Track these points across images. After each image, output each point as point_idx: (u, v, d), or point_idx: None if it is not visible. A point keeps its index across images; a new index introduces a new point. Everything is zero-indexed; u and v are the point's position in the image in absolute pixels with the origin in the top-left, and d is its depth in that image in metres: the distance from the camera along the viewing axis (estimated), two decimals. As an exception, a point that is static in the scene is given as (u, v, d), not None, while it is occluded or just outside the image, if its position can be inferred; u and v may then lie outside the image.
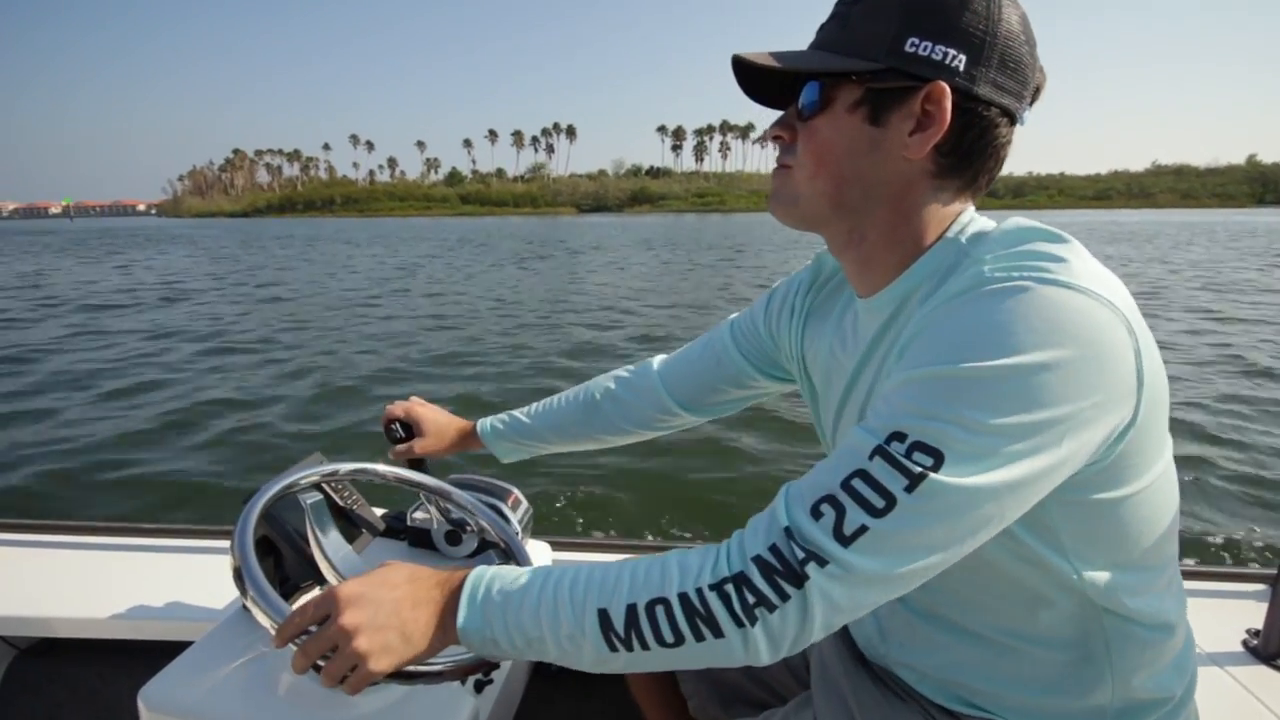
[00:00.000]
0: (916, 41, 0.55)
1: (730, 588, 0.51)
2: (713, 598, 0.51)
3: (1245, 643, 1.11)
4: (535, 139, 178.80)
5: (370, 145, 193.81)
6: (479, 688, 0.81)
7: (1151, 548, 0.59)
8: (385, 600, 0.57)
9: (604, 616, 0.53)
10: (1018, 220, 0.58)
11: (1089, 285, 0.49)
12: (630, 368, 1.03)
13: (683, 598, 0.52)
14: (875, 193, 0.61)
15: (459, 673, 0.62)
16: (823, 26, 0.62)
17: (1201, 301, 10.53)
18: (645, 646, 0.52)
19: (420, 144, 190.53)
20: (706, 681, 0.94)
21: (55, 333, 8.77)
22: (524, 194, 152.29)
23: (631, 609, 0.53)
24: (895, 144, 0.58)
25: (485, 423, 1.07)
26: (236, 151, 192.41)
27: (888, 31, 0.56)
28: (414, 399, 1.11)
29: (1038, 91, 0.61)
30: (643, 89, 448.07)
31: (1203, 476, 3.63)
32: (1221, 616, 1.19)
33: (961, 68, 0.55)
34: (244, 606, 0.66)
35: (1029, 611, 0.61)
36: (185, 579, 1.24)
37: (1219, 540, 3.02)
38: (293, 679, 0.76)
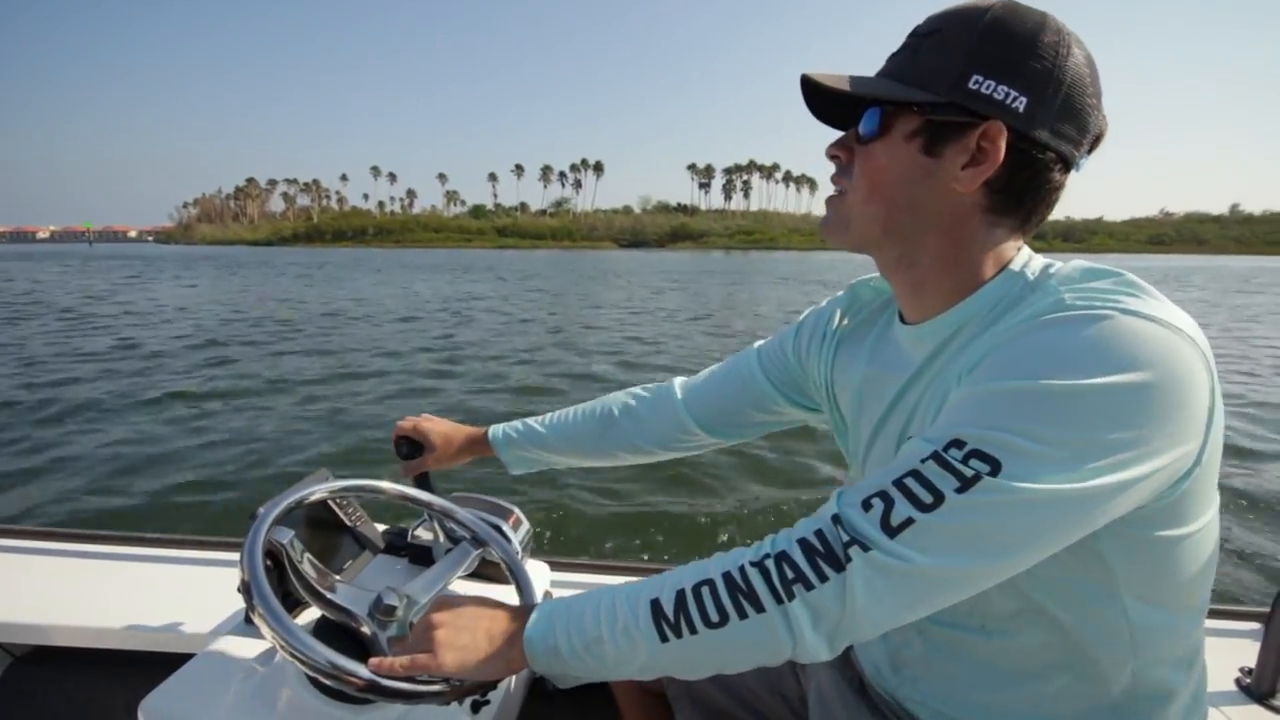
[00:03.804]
0: (980, 79, 0.56)
1: (770, 563, 0.52)
2: (753, 572, 0.53)
3: (1238, 681, 1.10)
4: (563, 174, 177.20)
5: (393, 177, 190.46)
6: (475, 708, 0.82)
7: (1196, 593, 0.59)
8: (468, 611, 0.65)
9: (656, 605, 0.56)
10: (1082, 262, 0.59)
11: (1170, 319, 0.49)
12: (650, 386, 1.03)
13: (726, 575, 0.54)
14: (927, 221, 0.62)
15: (457, 693, 0.63)
16: (893, 55, 0.63)
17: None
18: (694, 630, 0.54)
19: (442, 176, 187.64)
20: (700, 708, 0.93)
21: (79, 344, 9.09)
22: (560, 228, 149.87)
23: (680, 593, 0.55)
24: (947, 175, 0.59)
25: (497, 429, 1.06)
26: (249, 180, 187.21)
27: (953, 67, 0.57)
28: (423, 415, 1.10)
29: (1099, 139, 0.61)
30: (663, 125, 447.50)
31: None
32: (1214, 654, 1.28)
33: (1022, 109, 0.56)
34: (246, 620, 0.66)
35: (1067, 661, 0.60)
36: (186, 591, 1.23)
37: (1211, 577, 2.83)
38: (293, 694, 0.75)
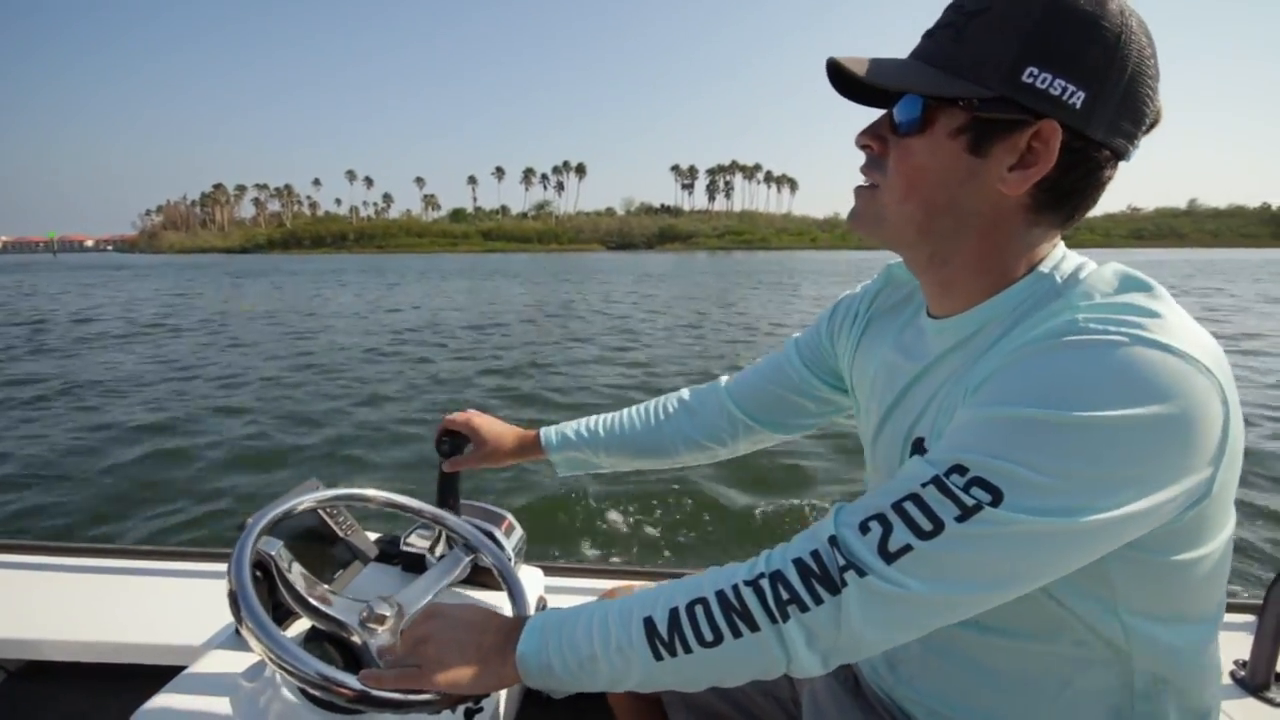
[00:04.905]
0: (1035, 71, 0.50)
1: (765, 583, 0.51)
2: (748, 592, 0.52)
3: (1232, 674, 1.10)
4: (545, 177, 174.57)
5: (369, 181, 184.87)
6: (469, 716, 0.81)
7: (1201, 608, 0.58)
8: (459, 625, 0.63)
9: (649, 624, 0.55)
10: (1116, 267, 0.55)
11: (1186, 348, 0.46)
12: (700, 385, 1.04)
13: (719, 595, 0.53)
14: (966, 222, 0.58)
15: (449, 702, 0.62)
16: (932, 33, 0.57)
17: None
18: (688, 649, 0.54)
19: (419, 180, 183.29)
20: (695, 713, 0.93)
21: (63, 352, 9.10)
22: (547, 231, 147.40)
23: (674, 612, 0.55)
24: (992, 176, 0.55)
25: (549, 431, 1.04)
26: (217, 186, 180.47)
27: (1005, 56, 0.51)
28: (471, 411, 1.08)
29: (1154, 125, 0.55)
30: (642, 125, 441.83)
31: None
32: None
33: (1079, 106, 0.50)
34: (238, 631, 0.65)
35: (1061, 663, 0.59)
36: (179, 603, 1.23)
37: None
38: (285, 706, 0.74)
